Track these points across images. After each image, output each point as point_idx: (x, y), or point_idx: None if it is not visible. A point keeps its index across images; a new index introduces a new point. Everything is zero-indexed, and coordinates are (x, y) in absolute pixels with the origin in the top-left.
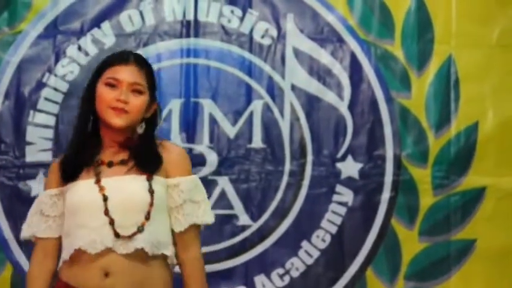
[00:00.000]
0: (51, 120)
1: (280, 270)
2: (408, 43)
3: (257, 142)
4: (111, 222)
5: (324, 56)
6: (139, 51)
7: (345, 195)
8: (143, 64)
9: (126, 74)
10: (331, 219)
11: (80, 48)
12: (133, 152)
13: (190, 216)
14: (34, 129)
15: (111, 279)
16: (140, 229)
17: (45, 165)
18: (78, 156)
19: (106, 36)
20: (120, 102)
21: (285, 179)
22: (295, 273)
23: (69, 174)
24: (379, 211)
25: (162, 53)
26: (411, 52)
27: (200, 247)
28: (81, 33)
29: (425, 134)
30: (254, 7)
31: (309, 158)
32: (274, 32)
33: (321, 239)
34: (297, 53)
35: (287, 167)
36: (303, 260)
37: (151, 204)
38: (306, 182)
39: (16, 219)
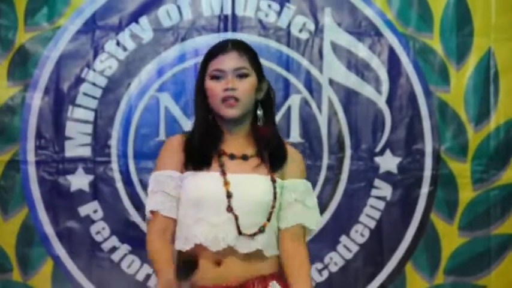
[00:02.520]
0: (90, 115)
1: (319, 265)
2: (447, 36)
3: (295, 137)
4: (236, 219)
5: (362, 50)
6: (177, 46)
7: (384, 189)
8: (242, 48)
9: (227, 61)
10: (370, 214)
11: (118, 43)
12: (265, 145)
13: (299, 216)
14: (73, 124)
15: (223, 268)
16: (262, 229)
17: (84, 160)
18: (203, 146)
19: (144, 31)
20: (228, 91)
21: (323, 173)
22: (334, 268)
23: (196, 163)
24: (418, 205)
25: (200, 48)
26: (450, 45)
27: (307, 247)
28: (119, 28)
29: (464, 128)
30: (291, 1)
31: (347, 152)
32: (311, 26)
33: (360, 233)
34: (335, 47)
35: (325, 161)
36: (342, 254)
37: (273, 207)
38: (344, 177)
39: (56, 214)
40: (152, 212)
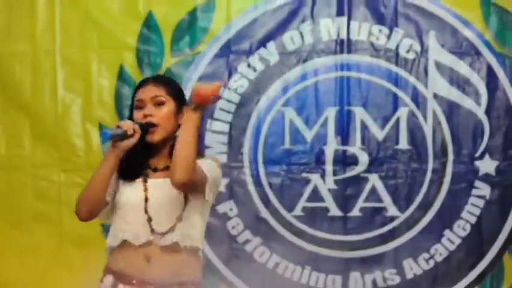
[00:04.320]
0: (225, 127)
1: (426, 255)
2: None
3: (403, 144)
4: (149, 220)
5: (463, 68)
6: (299, 67)
7: (483, 189)
8: (160, 81)
9: (146, 92)
10: (471, 211)
11: (249, 65)
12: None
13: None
14: (211, 135)
15: (151, 264)
16: (172, 229)
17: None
18: (130, 165)
19: (271, 54)
20: (146, 117)
21: (429, 175)
22: (439, 258)
23: (125, 177)
24: None
25: (319, 68)
26: None
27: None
28: (250, 52)
29: None
30: (400, 26)
31: (450, 157)
32: (417, 47)
33: (462, 228)
34: (439, 65)
35: (430, 165)
36: (446, 246)
37: (184, 207)
38: (447, 179)
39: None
40: None
